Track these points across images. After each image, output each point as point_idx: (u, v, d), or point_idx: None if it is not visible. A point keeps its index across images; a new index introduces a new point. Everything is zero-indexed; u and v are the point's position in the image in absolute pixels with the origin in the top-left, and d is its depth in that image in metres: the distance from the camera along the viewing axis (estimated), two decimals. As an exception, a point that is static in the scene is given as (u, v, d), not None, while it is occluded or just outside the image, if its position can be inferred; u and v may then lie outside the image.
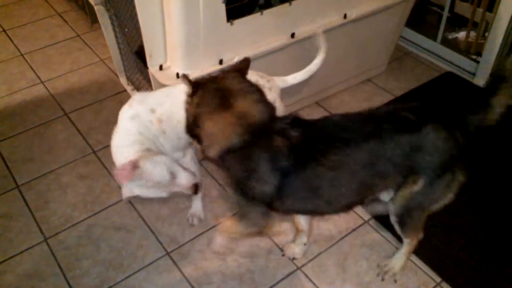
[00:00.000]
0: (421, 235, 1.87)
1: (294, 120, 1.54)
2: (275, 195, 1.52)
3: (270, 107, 1.53)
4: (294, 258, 2.04)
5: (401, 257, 1.95)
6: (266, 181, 1.49)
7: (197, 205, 2.19)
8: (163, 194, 1.77)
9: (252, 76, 1.85)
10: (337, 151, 1.48)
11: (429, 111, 1.57)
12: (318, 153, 1.48)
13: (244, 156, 1.49)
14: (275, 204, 1.56)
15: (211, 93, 1.49)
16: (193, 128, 1.54)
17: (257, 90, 1.53)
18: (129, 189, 1.72)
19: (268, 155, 1.47)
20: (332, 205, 1.62)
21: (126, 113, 1.83)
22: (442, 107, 1.60)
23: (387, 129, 1.50)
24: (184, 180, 1.75)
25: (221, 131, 1.47)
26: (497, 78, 1.54)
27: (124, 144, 1.77)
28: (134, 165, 1.62)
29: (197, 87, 1.49)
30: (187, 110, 1.54)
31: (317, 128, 1.56)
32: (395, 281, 1.95)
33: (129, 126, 1.79)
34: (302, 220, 1.97)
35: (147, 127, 1.80)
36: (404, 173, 1.56)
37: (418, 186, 1.57)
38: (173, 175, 1.73)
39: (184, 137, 1.82)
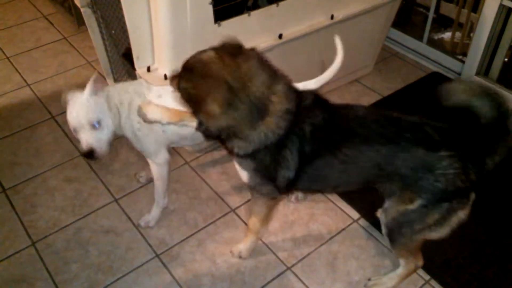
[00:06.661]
0: (419, 262, 1.82)
1: (316, 99, 1.56)
2: (291, 178, 1.57)
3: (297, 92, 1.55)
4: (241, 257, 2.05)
5: (395, 278, 1.87)
6: (289, 166, 1.54)
7: (155, 213, 2.16)
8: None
9: None
10: (352, 146, 1.51)
11: (454, 136, 1.53)
12: (334, 144, 1.51)
13: (277, 146, 1.51)
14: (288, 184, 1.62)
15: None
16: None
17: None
18: None
19: (298, 140, 1.50)
20: (337, 189, 1.72)
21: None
22: (469, 137, 1.53)
23: (408, 138, 1.49)
24: (87, 135, 1.77)
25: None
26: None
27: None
28: (101, 86, 1.79)
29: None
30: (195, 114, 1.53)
31: (338, 116, 1.56)
32: None
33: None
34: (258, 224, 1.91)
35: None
36: (405, 187, 1.54)
37: (413, 205, 1.55)
38: (99, 123, 1.77)
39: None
